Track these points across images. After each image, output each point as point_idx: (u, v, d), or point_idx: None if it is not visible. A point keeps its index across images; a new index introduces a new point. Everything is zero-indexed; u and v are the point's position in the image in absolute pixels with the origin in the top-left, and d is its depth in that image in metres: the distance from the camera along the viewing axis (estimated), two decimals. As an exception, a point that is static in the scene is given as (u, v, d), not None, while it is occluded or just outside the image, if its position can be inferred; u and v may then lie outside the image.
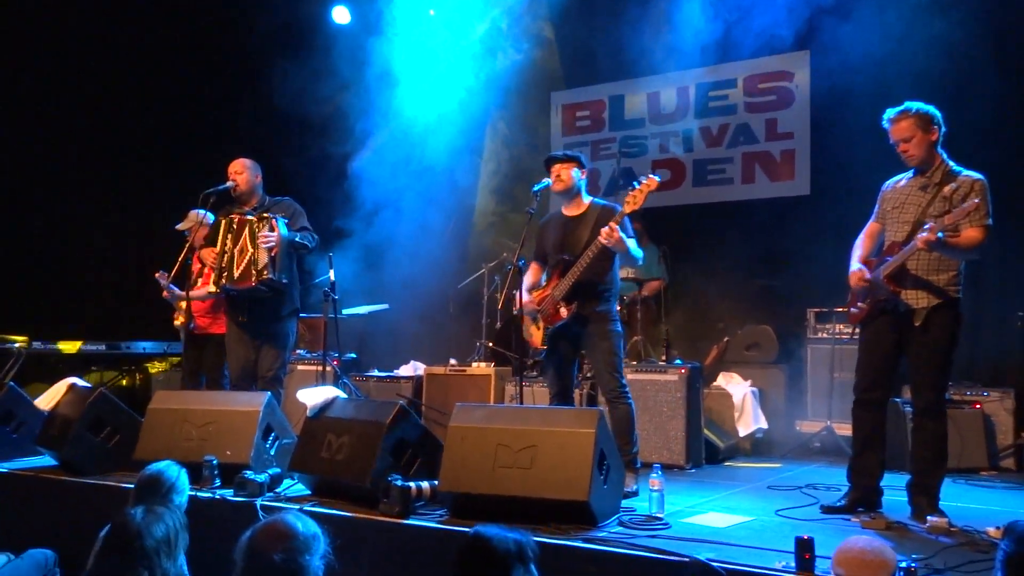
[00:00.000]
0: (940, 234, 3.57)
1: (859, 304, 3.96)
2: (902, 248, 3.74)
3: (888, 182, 4.04)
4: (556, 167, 4.53)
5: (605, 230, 4.15)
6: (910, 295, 3.77)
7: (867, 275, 3.87)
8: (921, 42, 5.98)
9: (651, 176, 4.22)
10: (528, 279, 4.71)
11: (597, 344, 4.40)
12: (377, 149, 7.97)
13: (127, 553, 2.51)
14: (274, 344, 5.16)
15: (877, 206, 4.05)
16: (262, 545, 2.27)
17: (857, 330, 4.06)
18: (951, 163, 3.80)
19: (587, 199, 4.57)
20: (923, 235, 3.59)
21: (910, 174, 3.91)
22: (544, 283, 4.62)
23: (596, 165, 8.16)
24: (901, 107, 3.80)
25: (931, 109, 3.78)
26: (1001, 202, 3.83)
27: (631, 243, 4.31)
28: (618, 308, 4.60)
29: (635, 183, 4.21)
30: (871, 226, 4.07)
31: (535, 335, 4.59)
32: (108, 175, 8.62)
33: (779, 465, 5.67)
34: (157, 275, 5.51)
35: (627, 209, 4.20)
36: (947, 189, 3.72)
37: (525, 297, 4.60)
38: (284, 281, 5.01)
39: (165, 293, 5.60)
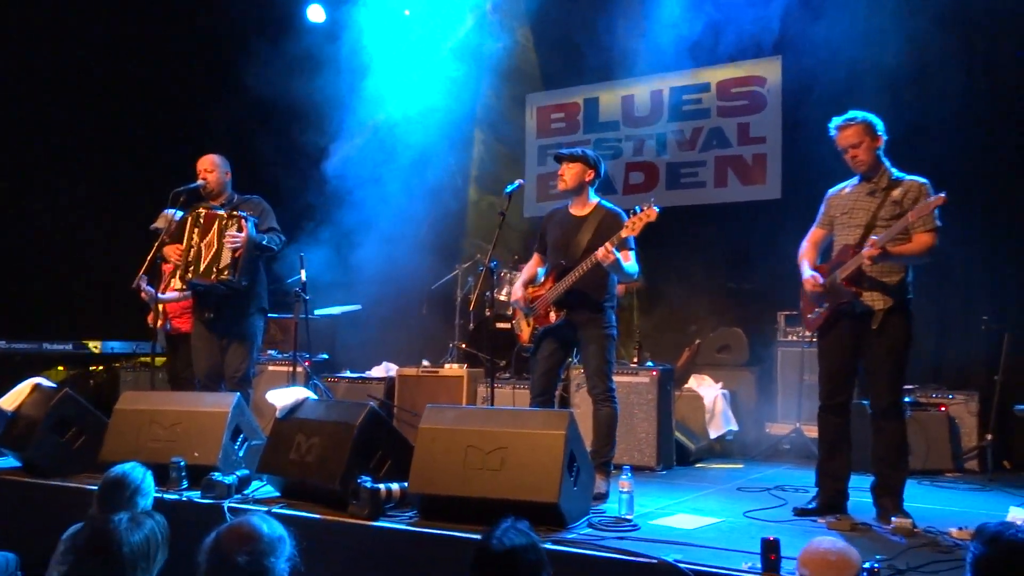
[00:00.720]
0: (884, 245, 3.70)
1: (817, 309, 4.02)
2: (856, 251, 3.84)
3: (832, 189, 4.15)
4: (561, 166, 4.51)
5: (601, 250, 4.13)
6: (867, 296, 3.86)
7: (820, 280, 3.94)
8: (892, 49, 6.06)
9: (651, 207, 4.09)
10: (526, 272, 4.71)
11: (587, 346, 4.41)
12: (352, 144, 7.92)
13: (102, 559, 2.43)
14: (241, 343, 5.09)
15: (822, 213, 4.15)
16: (226, 547, 2.24)
17: (815, 337, 4.13)
18: (893, 169, 3.94)
19: (593, 199, 4.51)
20: (867, 250, 3.72)
21: (855, 181, 4.03)
22: (540, 281, 4.60)
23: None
24: (846, 116, 3.94)
25: (875, 118, 3.92)
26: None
27: (629, 257, 4.30)
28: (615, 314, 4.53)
29: (637, 208, 4.15)
30: (815, 232, 4.17)
31: (524, 331, 4.61)
32: (75, 170, 8.47)
33: (747, 467, 5.72)
34: (137, 279, 5.40)
35: (624, 233, 4.17)
36: (896, 193, 3.85)
37: (518, 291, 4.60)
38: (244, 284, 4.94)
39: (143, 295, 5.52)
